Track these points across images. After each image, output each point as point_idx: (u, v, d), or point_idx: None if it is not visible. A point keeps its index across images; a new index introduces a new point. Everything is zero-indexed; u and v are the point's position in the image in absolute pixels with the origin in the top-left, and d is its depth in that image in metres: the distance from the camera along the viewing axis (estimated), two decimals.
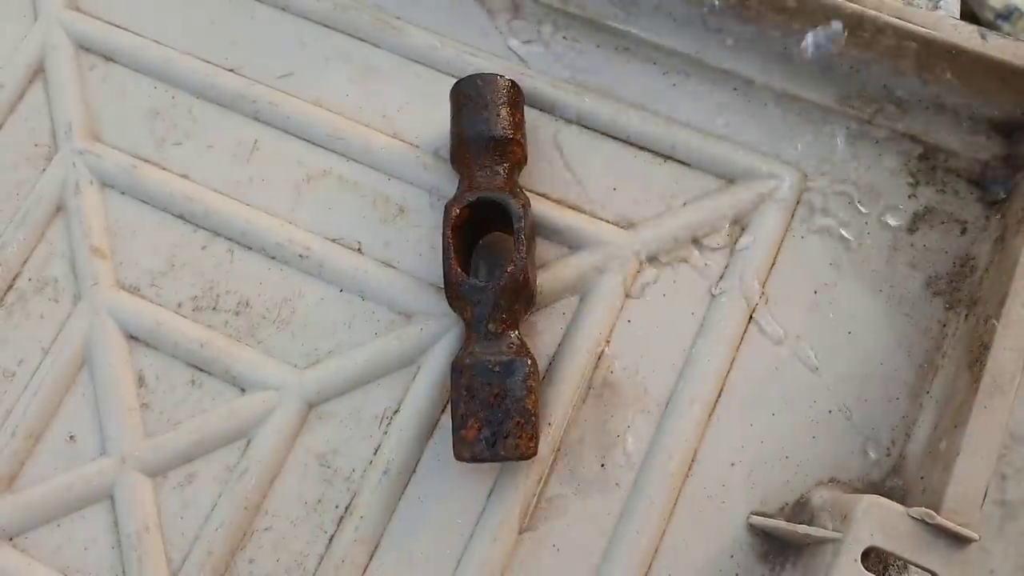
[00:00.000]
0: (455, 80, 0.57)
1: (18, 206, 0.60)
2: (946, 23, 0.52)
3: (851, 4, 0.53)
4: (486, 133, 0.54)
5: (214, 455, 0.54)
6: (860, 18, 0.53)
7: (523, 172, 0.57)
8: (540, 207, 0.57)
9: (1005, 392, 0.46)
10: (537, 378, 0.51)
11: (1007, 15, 0.91)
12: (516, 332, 0.52)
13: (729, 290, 0.55)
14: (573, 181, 0.58)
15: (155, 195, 0.59)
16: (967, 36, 0.52)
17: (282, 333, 0.56)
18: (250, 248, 0.58)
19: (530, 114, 0.58)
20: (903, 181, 0.56)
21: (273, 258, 0.57)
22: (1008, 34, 0.53)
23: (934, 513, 0.43)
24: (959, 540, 0.43)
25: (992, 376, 0.46)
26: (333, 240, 0.58)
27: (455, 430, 0.49)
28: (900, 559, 0.44)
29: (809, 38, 0.54)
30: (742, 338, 0.54)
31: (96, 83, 0.62)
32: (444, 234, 0.52)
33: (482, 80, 0.55)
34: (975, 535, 0.43)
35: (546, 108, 0.59)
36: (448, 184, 0.57)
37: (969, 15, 0.91)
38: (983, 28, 0.52)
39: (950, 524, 0.43)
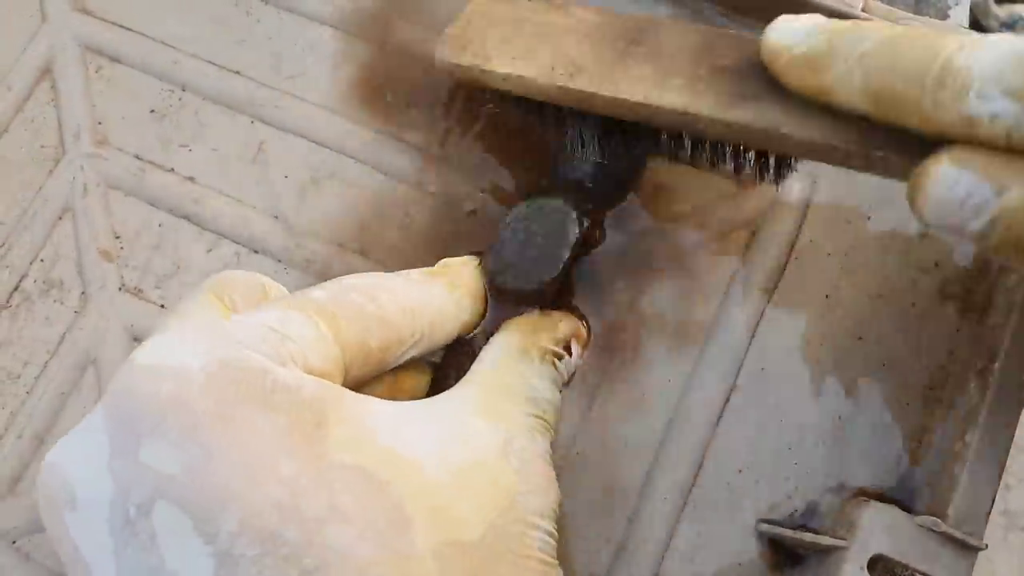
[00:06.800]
0: None
1: (24, 208, 0.60)
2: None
3: (840, 7, 0.53)
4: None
5: None
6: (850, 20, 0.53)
7: None
8: None
9: (1013, 400, 0.46)
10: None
11: (1012, 24, 0.91)
12: None
13: (737, 294, 0.55)
14: None
15: (161, 198, 0.59)
16: None
17: None
18: (256, 251, 0.58)
19: None
20: None
21: (279, 261, 0.57)
22: None
23: (940, 521, 0.43)
24: (966, 548, 0.43)
25: (1000, 383, 0.46)
26: (339, 245, 0.57)
27: None
28: (907, 568, 0.44)
29: None
30: (749, 343, 0.54)
31: (103, 85, 0.62)
32: None
33: None
34: (982, 544, 0.43)
35: None
36: (458, 188, 0.57)
37: (974, 24, 0.91)
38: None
39: (956, 532, 0.43)
